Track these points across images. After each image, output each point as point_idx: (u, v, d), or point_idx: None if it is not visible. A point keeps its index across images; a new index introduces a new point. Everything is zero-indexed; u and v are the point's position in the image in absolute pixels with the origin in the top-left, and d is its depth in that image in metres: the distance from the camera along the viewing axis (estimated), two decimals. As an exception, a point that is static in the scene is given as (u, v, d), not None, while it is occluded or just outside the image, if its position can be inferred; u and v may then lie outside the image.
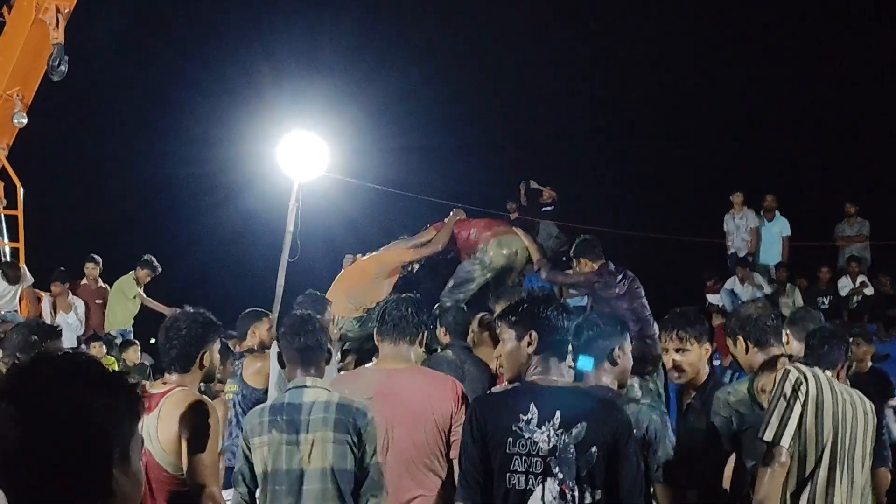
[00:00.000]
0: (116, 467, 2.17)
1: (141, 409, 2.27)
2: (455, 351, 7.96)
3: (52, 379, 2.14)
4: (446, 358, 8.06)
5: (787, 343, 6.21)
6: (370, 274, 10.32)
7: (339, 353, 10.02)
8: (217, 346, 5.21)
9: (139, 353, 13.86)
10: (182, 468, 4.82)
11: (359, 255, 11.34)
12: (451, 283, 10.13)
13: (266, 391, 7.74)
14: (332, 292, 10.16)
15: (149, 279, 15.53)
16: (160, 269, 15.62)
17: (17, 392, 2.13)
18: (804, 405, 4.73)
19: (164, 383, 5.06)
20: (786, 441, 4.69)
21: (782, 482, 4.74)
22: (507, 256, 10.02)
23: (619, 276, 9.97)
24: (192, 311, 5.24)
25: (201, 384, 5.25)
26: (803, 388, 4.75)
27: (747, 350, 5.39)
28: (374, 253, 10.77)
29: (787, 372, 4.83)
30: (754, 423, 4.94)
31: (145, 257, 15.66)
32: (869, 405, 4.95)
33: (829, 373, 5.01)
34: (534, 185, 18.61)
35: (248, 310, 9.38)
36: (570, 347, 4.79)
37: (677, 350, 5.56)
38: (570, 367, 5.18)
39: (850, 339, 8.41)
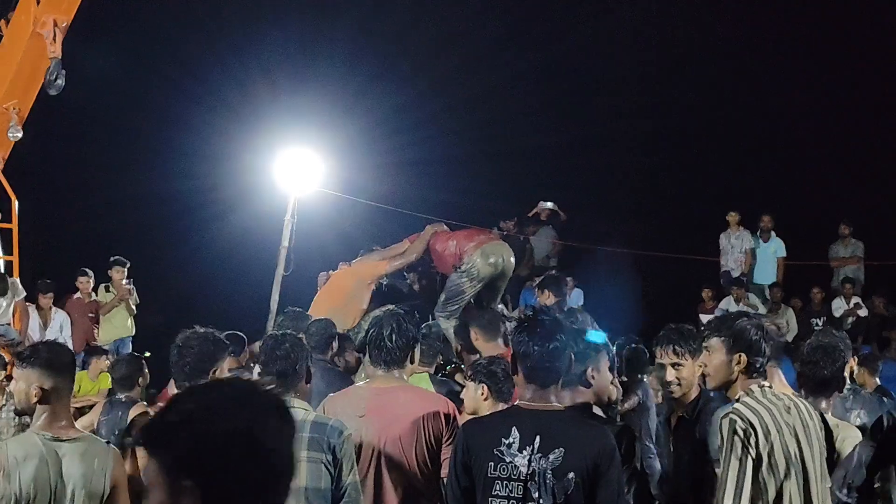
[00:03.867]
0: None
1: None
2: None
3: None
4: None
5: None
6: (348, 290, 10.31)
7: None
8: (227, 364, 5.39)
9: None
10: None
11: (330, 272, 11.32)
12: (442, 298, 10.15)
13: None
14: (314, 312, 10.18)
15: (120, 275, 15.44)
16: (128, 263, 15.53)
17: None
18: (757, 458, 4.60)
19: None
20: None
21: None
22: (493, 265, 10.05)
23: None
24: (202, 330, 5.39)
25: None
26: (752, 439, 4.60)
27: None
28: (347, 266, 10.74)
29: (732, 422, 4.65)
30: None
31: (111, 258, 15.62)
32: (817, 421, 4.83)
33: (767, 386, 4.84)
34: (551, 205, 18.70)
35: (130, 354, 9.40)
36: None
37: (673, 365, 5.59)
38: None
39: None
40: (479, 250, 10.12)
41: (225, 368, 5.32)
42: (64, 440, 4.74)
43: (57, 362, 4.89)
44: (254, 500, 2.24)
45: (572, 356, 4.65)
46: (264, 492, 2.25)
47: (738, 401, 4.77)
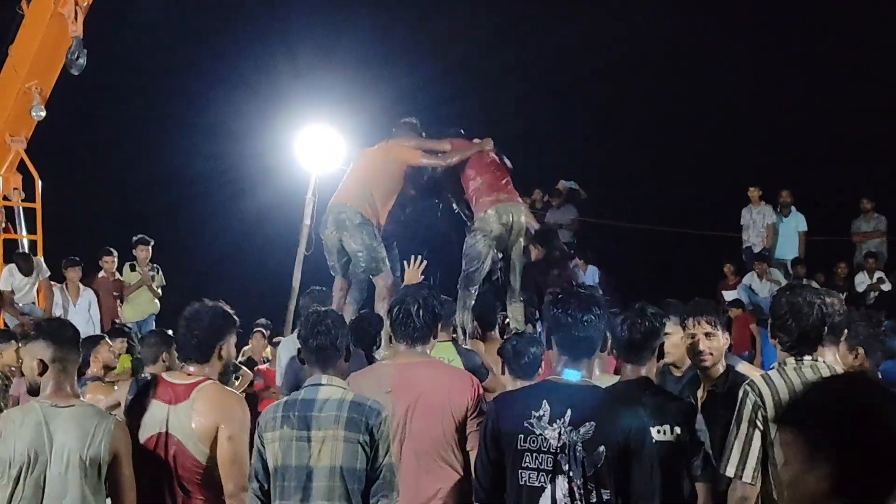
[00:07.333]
0: None
1: None
2: None
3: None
4: None
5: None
6: (381, 164, 10.27)
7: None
8: (234, 339, 5.35)
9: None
10: (207, 457, 4.98)
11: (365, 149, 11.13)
12: (464, 265, 10.15)
13: None
14: (348, 184, 10.23)
15: (145, 254, 15.35)
16: (152, 241, 15.42)
17: None
18: (764, 431, 4.71)
19: (189, 374, 5.13)
20: (748, 475, 4.70)
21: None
22: (504, 224, 10.08)
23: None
24: (211, 303, 5.33)
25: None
26: (760, 412, 4.71)
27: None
28: (383, 144, 10.66)
29: (745, 394, 4.79)
30: None
31: (135, 238, 15.51)
32: None
33: (808, 360, 4.86)
34: (572, 184, 18.79)
35: (83, 337, 9.36)
36: (607, 341, 4.82)
37: (707, 335, 5.64)
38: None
39: None
40: (493, 208, 10.13)
41: (232, 343, 5.31)
42: (62, 407, 4.82)
43: (57, 335, 4.99)
44: (884, 481, 2.50)
45: (607, 333, 4.67)
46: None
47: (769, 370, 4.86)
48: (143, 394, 5.14)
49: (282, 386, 8.88)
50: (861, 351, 6.20)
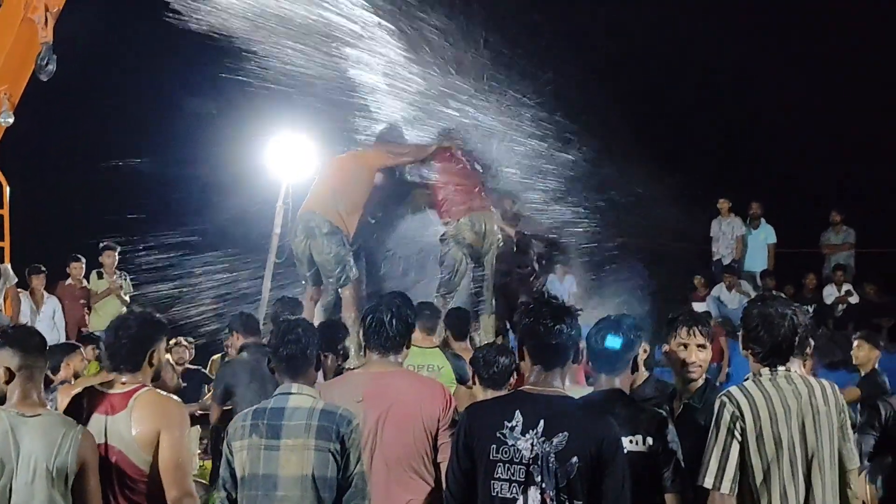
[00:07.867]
0: None
1: None
2: (251, 352, 8.02)
3: None
4: (241, 360, 8.19)
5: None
6: (350, 171, 10.33)
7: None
8: (164, 345, 5.33)
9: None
10: (150, 465, 4.94)
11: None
12: (440, 276, 10.22)
13: None
14: (318, 191, 10.29)
15: (112, 259, 15.29)
16: (118, 247, 15.39)
17: None
18: (742, 442, 4.68)
19: (123, 383, 5.09)
20: (726, 487, 4.66)
21: None
22: (477, 233, 10.18)
23: None
24: (139, 310, 5.46)
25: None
26: (739, 423, 4.68)
27: None
28: (352, 152, 10.75)
29: (722, 405, 4.75)
30: None
31: (101, 244, 15.46)
32: (834, 406, 4.82)
33: (782, 370, 4.85)
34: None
35: (61, 342, 9.37)
36: (582, 352, 4.81)
37: (700, 346, 5.57)
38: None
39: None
40: (466, 217, 10.23)
41: (162, 349, 5.28)
42: (28, 416, 4.76)
43: (24, 343, 4.94)
44: None
45: (579, 344, 4.66)
46: None
47: (744, 381, 4.84)
48: (78, 406, 5.08)
49: (213, 398, 8.92)
50: (809, 362, 6.31)
